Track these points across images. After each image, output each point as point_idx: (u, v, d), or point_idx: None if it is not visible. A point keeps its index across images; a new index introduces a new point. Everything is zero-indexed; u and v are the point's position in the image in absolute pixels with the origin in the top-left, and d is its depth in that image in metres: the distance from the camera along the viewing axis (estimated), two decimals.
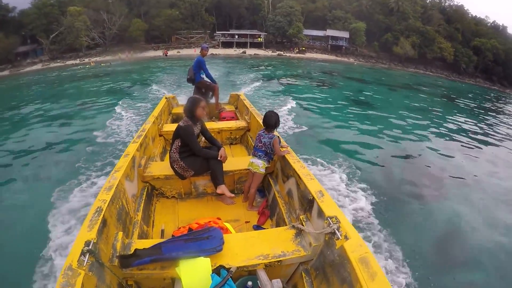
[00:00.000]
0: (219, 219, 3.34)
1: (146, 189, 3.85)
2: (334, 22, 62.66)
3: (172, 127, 5.65)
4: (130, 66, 38.28)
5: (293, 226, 2.83)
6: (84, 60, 50.44)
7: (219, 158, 3.71)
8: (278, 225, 3.48)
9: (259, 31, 61.80)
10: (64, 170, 7.16)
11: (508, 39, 65.45)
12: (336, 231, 2.33)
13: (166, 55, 52.16)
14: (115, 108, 12.91)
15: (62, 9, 51.61)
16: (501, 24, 70.05)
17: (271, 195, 3.98)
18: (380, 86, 29.02)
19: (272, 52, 57.48)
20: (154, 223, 3.67)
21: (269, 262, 2.49)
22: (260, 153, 3.75)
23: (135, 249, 2.40)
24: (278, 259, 2.50)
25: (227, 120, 6.73)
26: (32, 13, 50.82)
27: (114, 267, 2.33)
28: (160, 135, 5.75)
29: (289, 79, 25.69)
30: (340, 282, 2.19)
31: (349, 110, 15.77)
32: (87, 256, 2.05)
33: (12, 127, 12.48)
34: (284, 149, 3.79)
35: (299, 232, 2.76)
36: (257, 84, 19.88)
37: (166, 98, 7.67)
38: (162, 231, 3.38)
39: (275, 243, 2.66)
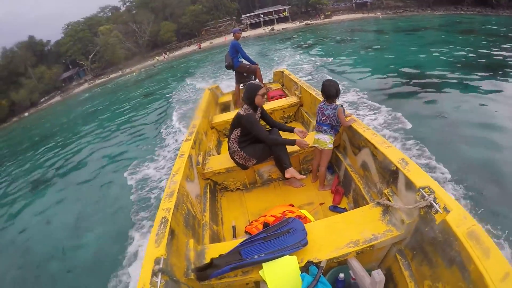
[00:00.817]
0: (292, 205, 2.92)
1: (208, 186, 3.48)
2: None
3: (223, 117, 5.39)
4: (170, 64, 39.65)
5: (378, 203, 2.36)
6: (125, 70, 52.53)
7: (297, 145, 3.21)
8: (356, 203, 2.98)
9: (283, 5, 59.56)
10: None
11: None
12: (433, 203, 1.87)
13: (200, 48, 52.39)
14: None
15: (93, 30, 54.37)
16: None
17: (342, 170, 3.41)
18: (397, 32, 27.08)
19: (299, 23, 54.88)
20: (223, 220, 3.28)
21: (361, 249, 2.07)
22: (325, 127, 3.18)
23: (212, 259, 2.04)
24: (370, 244, 2.06)
25: (276, 99, 6.05)
26: (67, 42, 54.38)
27: (191, 281, 2.02)
28: (212, 128, 5.31)
29: (319, 44, 24.49)
30: (447, 263, 1.74)
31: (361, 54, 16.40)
32: (159, 276, 1.76)
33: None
34: (349, 118, 3.19)
35: (386, 209, 2.30)
36: (293, 55, 19.15)
37: (209, 89, 7.12)
38: (234, 228, 2.98)
39: (362, 225, 2.22)
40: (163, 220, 2.19)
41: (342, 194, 3.20)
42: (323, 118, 3.18)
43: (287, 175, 3.18)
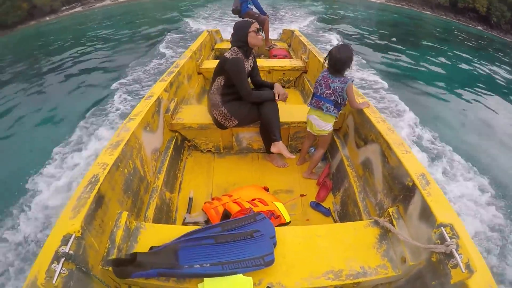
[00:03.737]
0: (267, 189, 2.01)
1: (174, 140, 2.44)
2: None
3: (216, 63, 4.05)
4: None
5: (377, 223, 1.50)
6: None
7: (276, 98, 2.18)
8: (345, 207, 2.05)
9: None
10: None
11: None
12: (455, 254, 1.08)
13: None
14: None
15: None
16: None
17: (336, 160, 2.38)
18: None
19: None
20: (182, 186, 2.29)
21: (342, 285, 1.27)
22: (328, 104, 2.04)
23: (136, 255, 1.18)
24: (355, 281, 1.26)
25: (279, 58, 4.65)
26: None
27: (107, 273, 1.25)
28: (199, 73, 3.89)
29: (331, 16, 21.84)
30: None
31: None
32: (61, 262, 1.03)
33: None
34: (362, 100, 2.16)
35: (385, 234, 1.45)
36: (304, 15, 16.64)
37: (207, 31, 5.39)
38: (190, 200, 2.06)
39: (350, 250, 1.38)
40: (93, 179, 1.34)
41: (329, 189, 2.24)
42: (327, 92, 2.02)
43: (273, 149, 2.22)
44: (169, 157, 2.24)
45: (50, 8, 45.76)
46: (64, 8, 47.53)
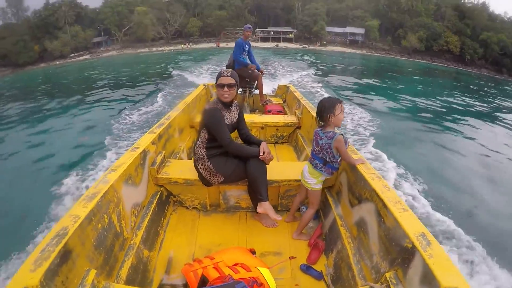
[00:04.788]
0: (253, 252, 1.84)
1: (159, 195, 2.26)
2: (354, 20, 57.40)
3: None
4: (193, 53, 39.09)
5: None
6: (152, 49, 52.55)
7: (260, 155, 2.03)
8: (338, 270, 1.84)
9: (292, 28, 58.51)
10: None
11: None
12: None
13: (218, 46, 51.11)
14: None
15: (130, 8, 53.29)
16: None
17: (329, 220, 2.19)
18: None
19: (299, 45, 54.55)
20: (163, 244, 2.07)
21: None
22: (317, 161, 1.95)
23: None
24: None
25: (274, 113, 4.55)
26: (107, 11, 52.98)
27: None
28: (192, 127, 3.74)
29: (317, 64, 24.26)
30: None
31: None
32: None
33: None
34: (356, 156, 2.05)
35: None
36: (292, 70, 18.18)
37: (204, 85, 5.33)
38: (170, 260, 1.91)
39: None
40: (61, 232, 1.22)
41: (321, 251, 2.02)
42: (316, 149, 1.96)
43: (259, 209, 2.07)
44: (151, 212, 2.06)
45: (60, 53, 48.85)
46: (73, 54, 50.26)
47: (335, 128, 1.91)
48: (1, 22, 51.09)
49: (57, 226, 1.26)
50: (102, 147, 5.72)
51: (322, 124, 1.92)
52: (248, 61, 5.02)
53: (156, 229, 2.12)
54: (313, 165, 1.98)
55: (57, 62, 45.37)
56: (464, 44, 54.12)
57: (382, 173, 4.43)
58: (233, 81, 2.03)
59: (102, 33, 54.10)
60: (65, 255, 1.18)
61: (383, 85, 16.32)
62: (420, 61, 52.82)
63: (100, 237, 1.47)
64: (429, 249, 1.20)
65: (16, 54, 44.92)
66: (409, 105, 11.53)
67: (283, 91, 5.79)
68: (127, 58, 35.62)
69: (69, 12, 51.44)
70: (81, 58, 48.11)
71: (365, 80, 16.90)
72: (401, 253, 1.34)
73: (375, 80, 16.98)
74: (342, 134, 1.88)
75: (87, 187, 4.13)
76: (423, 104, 11.69)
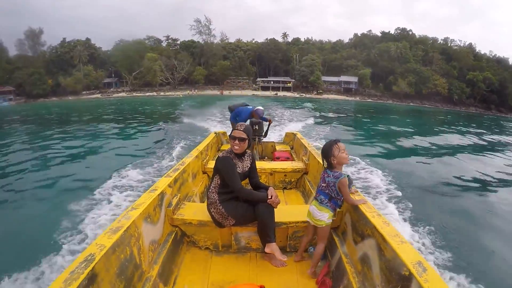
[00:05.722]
0: None
1: (174, 235, 2.43)
2: (347, 69, 61.71)
3: None
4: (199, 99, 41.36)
5: None
6: (160, 93, 55.13)
7: (268, 199, 2.21)
8: None
9: (290, 78, 61.91)
10: None
11: (506, 69, 60.41)
12: None
13: (221, 94, 53.83)
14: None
15: (140, 53, 56.37)
16: (502, 56, 65.16)
17: (335, 259, 2.29)
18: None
19: (297, 93, 57.57)
20: (177, 280, 2.18)
21: None
22: (322, 196, 2.15)
23: None
24: None
25: (282, 160, 4.75)
26: (118, 55, 55.97)
27: None
28: (204, 172, 3.95)
29: (318, 111, 25.76)
30: None
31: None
32: None
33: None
34: (359, 197, 2.24)
35: None
36: (290, 114, 19.75)
37: (215, 133, 5.64)
38: None
39: None
40: (89, 257, 1.40)
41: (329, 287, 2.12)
42: (323, 185, 2.16)
43: (267, 250, 2.23)
44: (166, 250, 2.22)
45: (72, 89, 50.03)
46: (84, 92, 51.82)
47: (343, 168, 2.13)
48: (18, 53, 52.81)
49: (85, 252, 1.42)
50: (101, 183, 5.60)
51: (329, 166, 2.14)
52: (250, 106, 5.17)
53: (171, 266, 2.24)
54: (318, 201, 2.17)
55: (70, 98, 47.61)
56: (452, 85, 57.57)
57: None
58: (244, 135, 2.26)
59: (113, 75, 57.06)
60: (92, 278, 1.33)
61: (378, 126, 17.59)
62: (411, 104, 55.33)
63: (122, 266, 1.63)
64: (425, 275, 1.33)
65: (30, 85, 46.99)
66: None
67: (290, 139, 6.03)
68: (141, 100, 37.39)
69: (84, 52, 54.97)
70: (93, 96, 50.58)
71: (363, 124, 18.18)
72: (400, 281, 1.46)
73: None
74: (348, 176, 2.10)
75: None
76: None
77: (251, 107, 5.19)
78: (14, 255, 3.42)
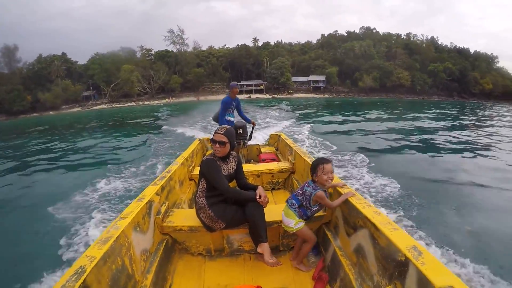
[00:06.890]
0: None
1: (165, 243, 2.35)
2: (315, 69, 64.57)
3: None
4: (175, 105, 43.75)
5: None
6: (139, 103, 56.42)
7: (257, 199, 2.17)
8: None
9: (262, 81, 63.82)
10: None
11: (466, 58, 65.57)
12: None
13: (198, 100, 55.28)
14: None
15: (116, 65, 56.80)
16: (463, 47, 71.06)
17: (330, 253, 2.27)
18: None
19: (269, 95, 59.97)
20: None
21: None
22: (294, 201, 2.15)
23: None
24: None
25: (268, 162, 4.67)
26: (95, 68, 56.39)
27: None
28: (191, 179, 3.87)
29: (291, 110, 27.80)
30: None
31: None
32: None
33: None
34: (347, 190, 2.23)
35: None
36: (264, 115, 21.17)
37: (199, 140, 5.51)
38: None
39: None
40: (79, 270, 1.35)
41: (326, 282, 2.09)
42: (299, 191, 2.16)
43: (259, 250, 2.21)
44: (158, 258, 2.14)
45: (52, 104, 48.74)
46: (64, 106, 51.93)
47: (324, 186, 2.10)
48: None
49: (75, 265, 1.36)
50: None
51: (312, 179, 2.14)
52: (232, 118, 4.98)
53: (164, 274, 2.17)
54: (288, 203, 2.16)
55: (51, 113, 47.54)
56: (414, 77, 62.12)
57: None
58: (224, 139, 2.19)
59: (91, 88, 56.97)
60: None
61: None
62: (376, 97, 58.68)
63: (114, 277, 1.56)
64: (421, 258, 1.30)
65: (10, 102, 46.71)
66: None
67: (275, 140, 5.92)
68: (121, 110, 38.90)
69: (61, 66, 54.77)
70: (74, 110, 50.71)
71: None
72: (397, 267, 1.43)
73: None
74: (325, 191, 2.11)
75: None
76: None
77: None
78: None
